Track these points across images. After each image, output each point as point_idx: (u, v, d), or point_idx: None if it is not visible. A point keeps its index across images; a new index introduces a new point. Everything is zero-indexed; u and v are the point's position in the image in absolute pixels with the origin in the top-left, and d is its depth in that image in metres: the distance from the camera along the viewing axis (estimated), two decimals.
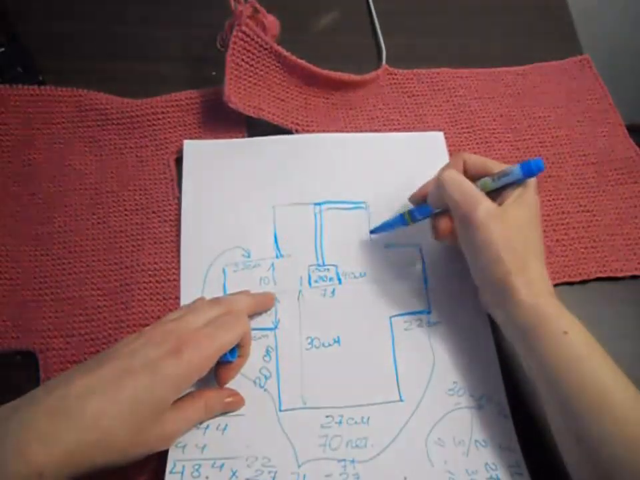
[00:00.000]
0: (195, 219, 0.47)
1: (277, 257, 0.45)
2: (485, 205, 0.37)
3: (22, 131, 0.50)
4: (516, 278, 0.36)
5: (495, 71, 0.57)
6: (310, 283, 0.45)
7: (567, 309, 0.37)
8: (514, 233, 0.37)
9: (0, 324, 0.42)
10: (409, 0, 0.63)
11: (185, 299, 0.44)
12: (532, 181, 0.39)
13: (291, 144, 0.51)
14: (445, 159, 0.51)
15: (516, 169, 0.38)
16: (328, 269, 0.45)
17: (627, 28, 1.09)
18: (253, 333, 0.42)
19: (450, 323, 0.43)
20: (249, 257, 0.45)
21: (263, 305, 0.43)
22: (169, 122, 0.51)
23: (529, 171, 0.38)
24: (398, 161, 0.51)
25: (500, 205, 0.38)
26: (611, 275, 0.47)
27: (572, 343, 0.35)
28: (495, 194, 0.40)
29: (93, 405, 0.31)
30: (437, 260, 0.46)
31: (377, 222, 0.47)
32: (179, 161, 0.50)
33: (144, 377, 0.33)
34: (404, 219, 0.44)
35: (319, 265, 0.45)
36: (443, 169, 0.42)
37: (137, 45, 0.57)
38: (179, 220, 0.47)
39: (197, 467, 0.38)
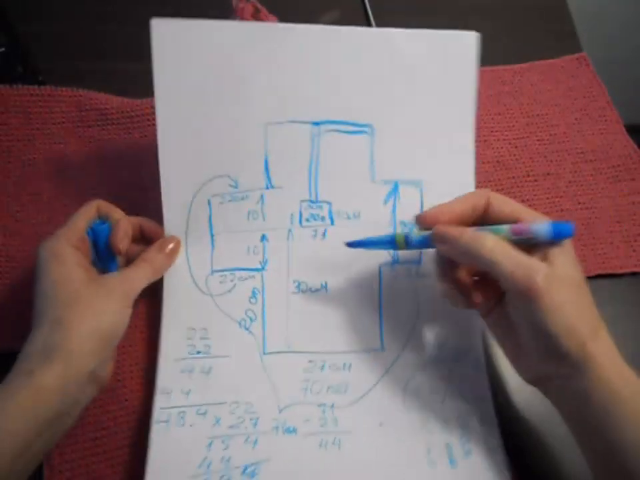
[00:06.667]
0: (175, 138, 0.41)
1: (266, 187, 0.43)
2: (544, 272, 0.32)
3: (22, 131, 0.50)
4: (593, 347, 0.32)
5: (493, 69, 0.57)
6: (300, 222, 0.43)
7: None
8: (579, 296, 0.33)
9: (0, 324, 0.42)
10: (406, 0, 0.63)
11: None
12: (568, 241, 0.35)
13: (286, 36, 0.42)
14: (471, 71, 0.42)
15: (546, 231, 0.34)
16: (321, 207, 0.43)
17: (626, 28, 1.09)
18: (240, 273, 0.42)
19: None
20: (236, 187, 0.42)
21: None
22: None
23: (559, 235, 0.34)
24: (413, 72, 0.43)
25: (548, 264, 0.33)
26: (611, 272, 0.47)
27: None
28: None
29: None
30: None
31: (382, 151, 0.43)
32: None
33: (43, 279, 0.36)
34: (394, 244, 0.38)
35: (311, 201, 0.43)
36: (475, 233, 0.35)
37: (137, 45, 0.56)
38: None
39: (182, 414, 0.38)
